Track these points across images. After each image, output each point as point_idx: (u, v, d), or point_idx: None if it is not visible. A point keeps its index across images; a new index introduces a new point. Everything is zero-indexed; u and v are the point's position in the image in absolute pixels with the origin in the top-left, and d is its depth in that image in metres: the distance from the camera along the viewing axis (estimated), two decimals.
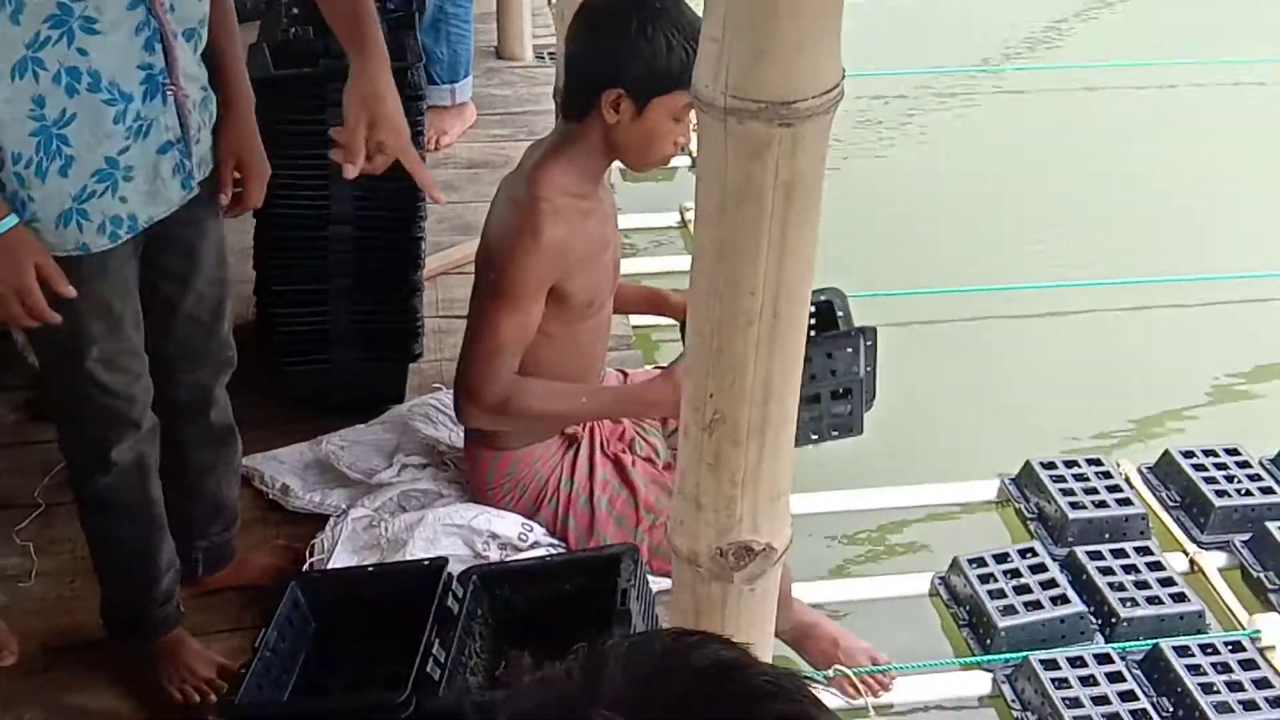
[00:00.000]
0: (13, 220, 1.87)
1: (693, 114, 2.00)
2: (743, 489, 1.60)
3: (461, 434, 2.82)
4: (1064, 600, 3.09)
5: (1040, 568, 3.18)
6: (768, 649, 1.79)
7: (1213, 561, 3.34)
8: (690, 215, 4.74)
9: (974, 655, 3.06)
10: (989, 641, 3.06)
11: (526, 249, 2.35)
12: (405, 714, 1.97)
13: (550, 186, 2.39)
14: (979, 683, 3.01)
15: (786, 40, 1.35)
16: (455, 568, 2.27)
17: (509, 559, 2.50)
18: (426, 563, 2.30)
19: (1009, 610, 3.08)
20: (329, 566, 2.50)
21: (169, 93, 1.97)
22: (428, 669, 2.02)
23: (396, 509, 2.69)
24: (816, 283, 2.45)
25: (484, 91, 4.57)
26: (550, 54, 5.48)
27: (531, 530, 2.58)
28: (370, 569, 2.32)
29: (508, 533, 2.57)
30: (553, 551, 2.54)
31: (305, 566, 2.53)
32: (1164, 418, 4.38)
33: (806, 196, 1.45)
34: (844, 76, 1.42)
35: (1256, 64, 6.46)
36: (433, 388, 3.13)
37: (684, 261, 4.39)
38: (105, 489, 2.21)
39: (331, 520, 2.64)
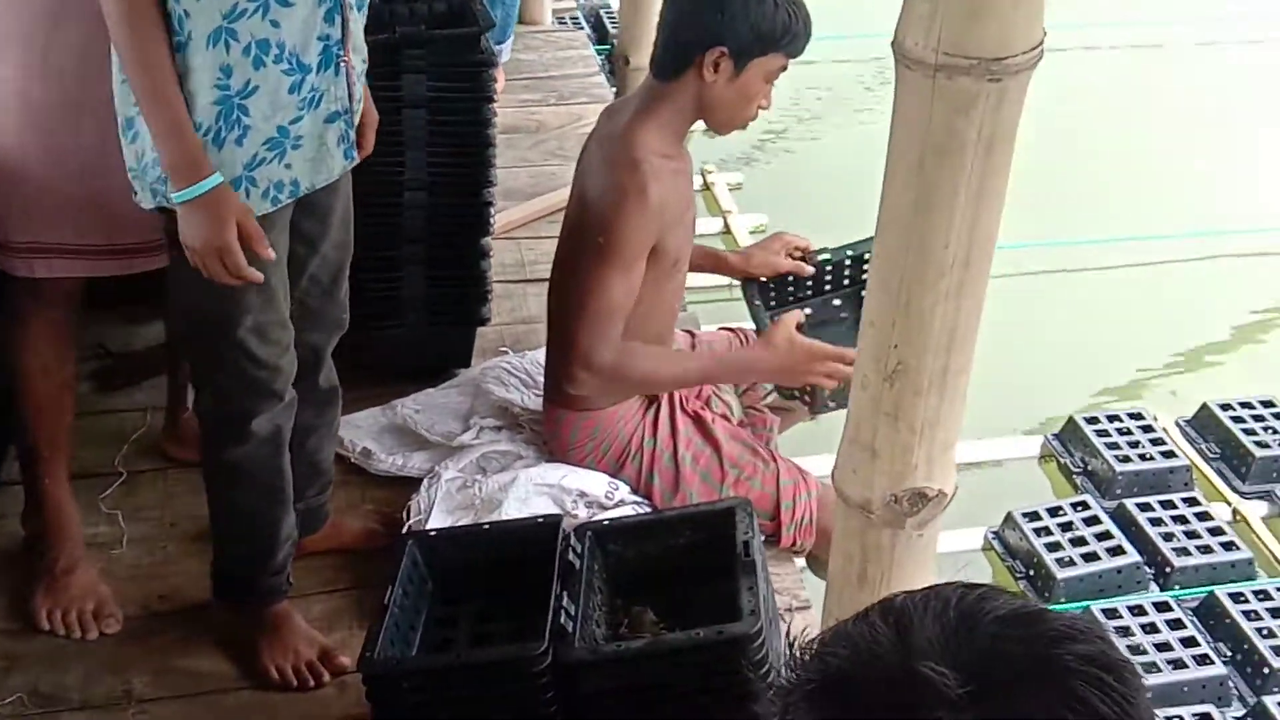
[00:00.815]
0: (217, 179, 1.91)
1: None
2: (920, 437, 1.67)
3: (534, 396, 2.88)
4: (1120, 551, 3.20)
5: (1094, 520, 3.29)
6: None
7: (1255, 510, 3.48)
8: (711, 177, 4.82)
9: None
10: (1047, 593, 3.16)
11: (634, 210, 2.41)
12: (544, 664, 2.02)
13: (646, 148, 2.45)
14: None
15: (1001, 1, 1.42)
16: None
17: (595, 516, 2.56)
18: (541, 519, 2.35)
19: (1067, 562, 3.18)
20: (428, 527, 2.54)
21: (341, 64, 2.02)
22: (560, 621, 2.08)
23: (477, 470, 2.75)
24: (857, 232, 2.64)
25: (510, 57, 4.59)
26: (573, 18, 5.52)
27: (617, 489, 2.63)
28: (486, 526, 2.36)
29: (595, 491, 2.62)
30: (638, 509, 2.60)
31: (404, 529, 2.57)
32: (1184, 369, 4.53)
33: (1004, 150, 1.52)
34: (1045, 34, 1.48)
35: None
36: (499, 350, 3.17)
37: (706, 224, 4.49)
38: (240, 457, 2.24)
39: (425, 482, 2.68)
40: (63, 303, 2.37)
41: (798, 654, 0.90)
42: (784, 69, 2.49)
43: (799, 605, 2.54)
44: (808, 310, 2.78)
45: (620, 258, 2.43)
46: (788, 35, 2.42)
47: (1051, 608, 2.99)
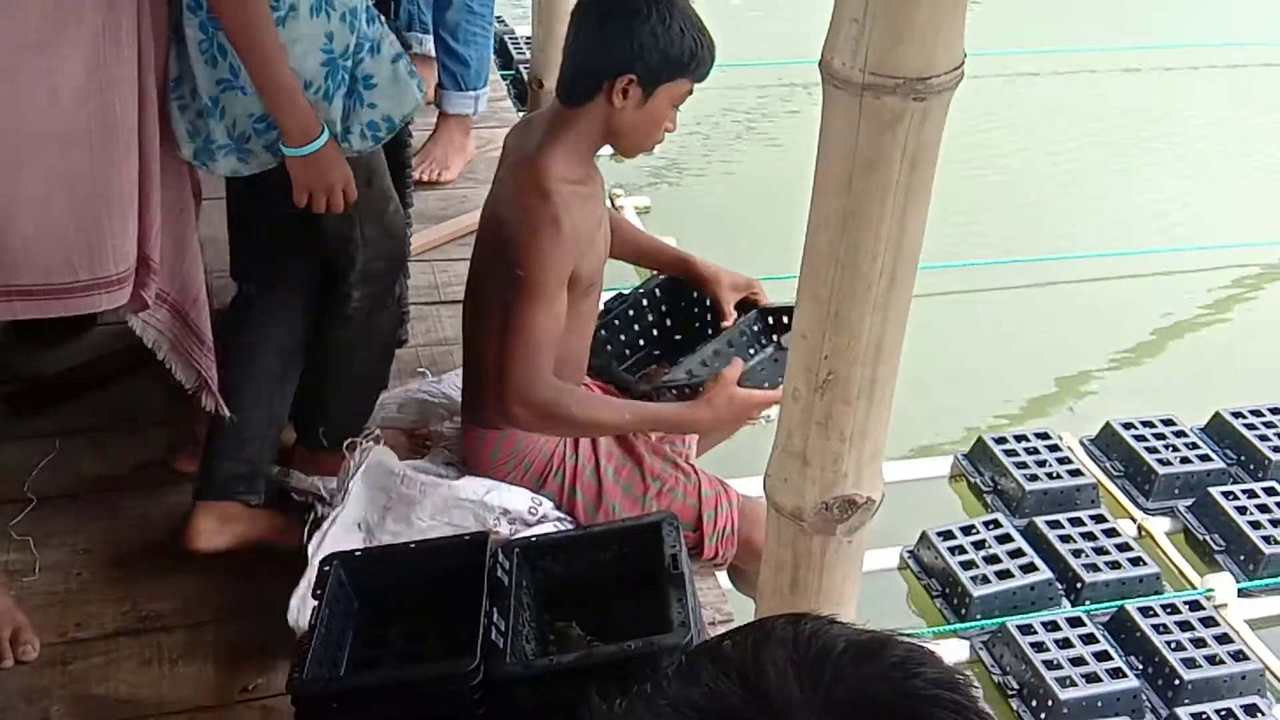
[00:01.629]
0: (327, 134, 2.36)
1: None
2: (850, 445, 1.75)
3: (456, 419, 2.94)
4: (1032, 568, 3.32)
5: (1006, 538, 3.40)
6: (855, 597, 1.94)
7: (1159, 526, 3.61)
8: (620, 201, 4.90)
9: (949, 624, 3.27)
10: (964, 610, 3.26)
11: (549, 242, 2.46)
12: (476, 680, 2.07)
13: (556, 176, 2.50)
14: (957, 650, 3.20)
15: (923, 22, 1.51)
16: None
17: (518, 533, 2.60)
18: (468, 537, 2.40)
19: (982, 580, 3.29)
20: (349, 484, 2.61)
21: (378, 18, 2.48)
22: (491, 637, 2.13)
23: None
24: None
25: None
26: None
27: (540, 504, 2.68)
28: (412, 545, 2.41)
29: (518, 507, 2.66)
30: (560, 525, 2.66)
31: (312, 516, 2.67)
32: (1086, 387, 4.71)
33: (928, 167, 1.61)
34: (965, 57, 1.58)
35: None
36: (417, 372, 3.23)
37: None
38: (381, 321, 2.80)
39: (358, 450, 2.69)
40: None
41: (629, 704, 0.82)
42: (690, 93, 2.56)
43: (722, 619, 2.62)
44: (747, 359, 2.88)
45: (543, 291, 2.48)
46: (694, 61, 2.49)
47: (967, 626, 3.14)
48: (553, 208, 2.47)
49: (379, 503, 2.63)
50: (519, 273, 2.49)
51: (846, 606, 1.91)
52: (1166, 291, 5.27)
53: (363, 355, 2.83)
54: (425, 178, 4.12)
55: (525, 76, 5.02)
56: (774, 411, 3.61)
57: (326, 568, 2.31)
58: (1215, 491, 3.60)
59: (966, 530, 3.44)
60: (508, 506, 2.66)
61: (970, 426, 4.30)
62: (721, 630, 2.39)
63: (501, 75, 5.24)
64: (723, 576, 2.83)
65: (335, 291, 2.71)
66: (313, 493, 2.78)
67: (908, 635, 0.84)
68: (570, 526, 2.65)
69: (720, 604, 2.68)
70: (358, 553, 2.41)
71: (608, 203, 4.73)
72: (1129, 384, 4.74)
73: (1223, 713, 2.96)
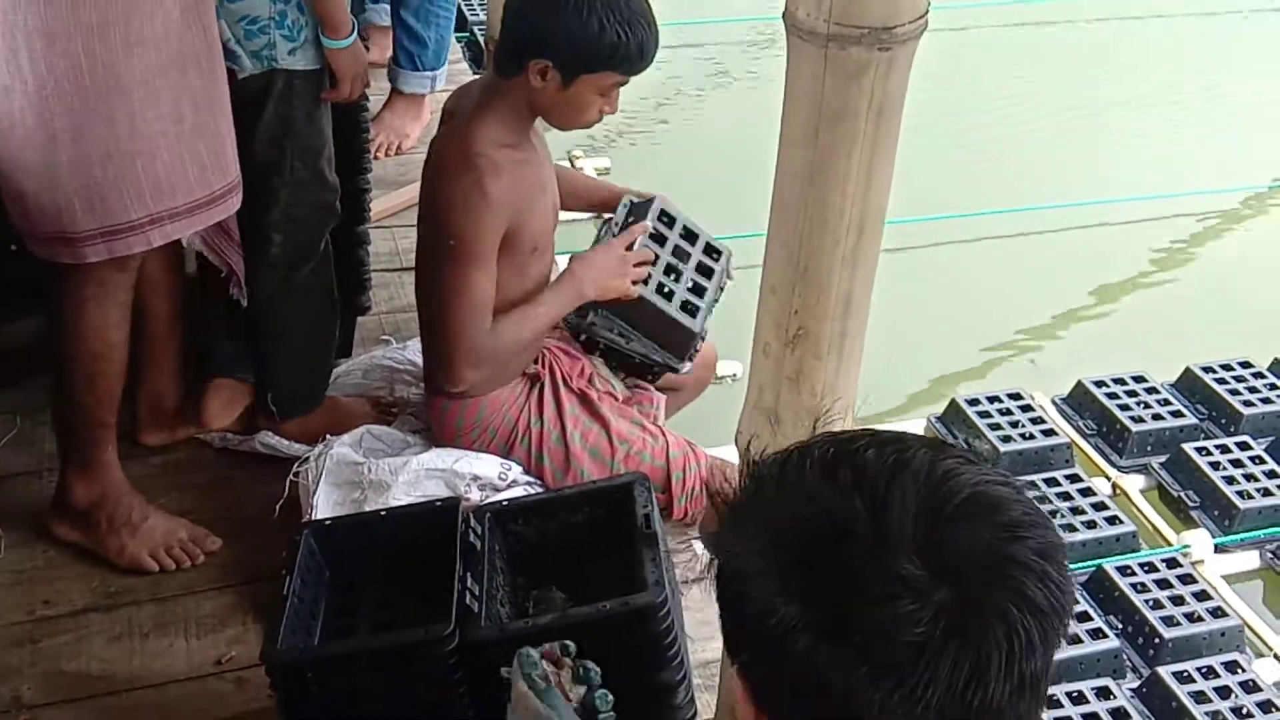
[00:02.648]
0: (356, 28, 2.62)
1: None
2: (822, 400, 1.79)
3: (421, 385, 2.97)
4: None
5: None
6: None
7: (1134, 484, 3.68)
8: (580, 163, 4.95)
9: None
10: None
11: (477, 207, 2.50)
12: (451, 646, 2.10)
13: (485, 141, 2.54)
14: None
15: None
16: None
17: (489, 498, 2.64)
18: (439, 503, 2.44)
19: None
20: (315, 499, 2.63)
21: None
22: (466, 602, 2.16)
23: (364, 447, 2.82)
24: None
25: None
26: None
27: (510, 469, 2.72)
28: (383, 513, 2.44)
29: (488, 473, 2.70)
30: (530, 490, 2.69)
31: (285, 494, 2.70)
32: (1054, 340, 4.78)
33: (894, 118, 1.64)
34: (929, 6, 1.61)
35: None
36: (380, 339, 3.26)
37: None
38: (308, 275, 2.77)
39: (317, 450, 2.75)
40: (132, 273, 2.52)
41: (757, 470, 1.03)
42: (621, 84, 2.57)
43: (695, 577, 2.67)
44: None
45: (472, 257, 2.52)
46: (616, 56, 2.49)
47: None
48: (477, 173, 2.50)
49: (352, 496, 2.66)
50: (450, 243, 2.53)
51: None
52: (1129, 242, 5.34)
53: (294, 313, 2.82)
54: (383, 153, 4.12)
55: (481, 39, 5.03)
56: (739, 370, 3.68)
57: (298, 537, 2.34)
58: (1189, 447, 3.66)
59: None
60: (477, 473, 2.70)
61: (933, 378, 4.39)
62: (695, 589, 2.45)
63: (457, 37, 5.24)
64: (694, 537, 2.87)
65: (257, 228, 2.72)
66: (284, 452, 2.86)
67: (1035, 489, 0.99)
68: (540, 491, 2.69)
69: (692, 563, 2.72)
70: (328, 522, 2.44)
71: (566, 163, 4.84)
72: (1093, 337, 4.80)
73: (1204, 670, 3.01)
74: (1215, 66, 6.91)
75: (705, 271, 2.94)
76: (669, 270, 2.87)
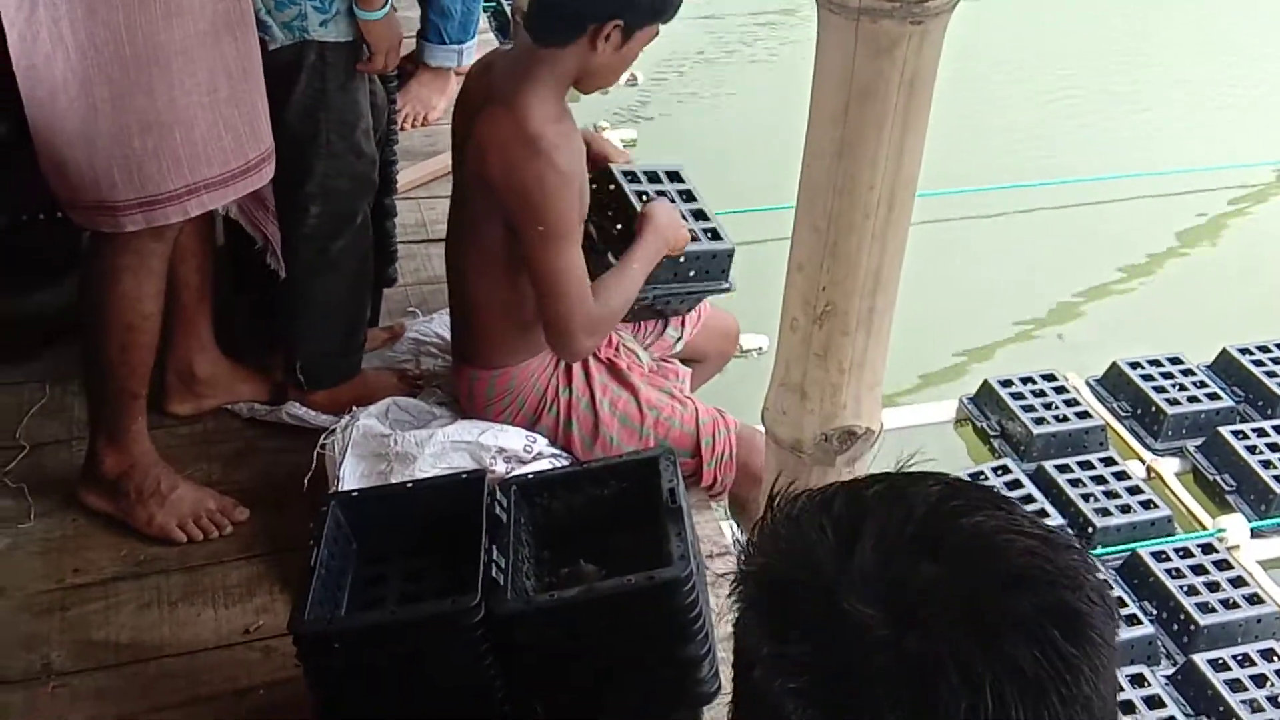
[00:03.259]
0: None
1: None
2: (849, 376, 1.81)
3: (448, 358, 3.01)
4: (1042, 514, 3.37)
5: (1016, 484, 3.47)
6: None
7: (1169, 467, 3.69)
8: (606, 134, 4.97)
9: None
10: None
11: (556, 188, 2.51)
12: (477, 618, 2.14)
13: (540, 119, 2.54)
14: None
15: None
16: None
17: (514, 470, 2.67)
18: (465, 475, 2.47)
19: None
20: (341, 471, 2.67)
21: None
22: (492, 574, 2.19)
23: (391, 419, 2.86)
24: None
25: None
26: None
27: (535, 442, 2.76)
28: (409, 485, 2.47)
29: (513, 445, 2.74)
30: (556, 461, 2.74)
31: (313, 466, 2.74)
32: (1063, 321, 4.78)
33: (925, 92, 1.66)
34: None
35: None
36: (407, 311, 3.30)
37: None
38: (343, 248, 2.81)
39: (343, 421, 2.79)
40: (168, 243, 2.57)
41: (766, 526, 0.94)
42: (657, 34, 2.62)
43: (719, 551, 2.70)
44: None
45: (565, 235, 2.55)
46: (676, 5, 2.55)
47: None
48: (545, 155, 2.51)
49: (378, 469, 2.69)
50: (539, 229, 2.53)
51: None
52: (1165, 217, 5.36)
53: (325, 283, 2.86)
54: (410, 124, 4.14)
55: (508, 8, 5.04)
56: (765, 343, 3.71)
57: (324, 508, 2.38)
58: (1225, 430, 3.67)
59: (975, 477, 3.49)
60: (503, 445, 2.73)
61: (960, 352, 4.42)
62: (719, 562, 2.48)
63: (484, 7, 5.26)
64: (720, 510, 2.91)
65: (292, 200, 2.77)
66: (311, 423, 2.91)
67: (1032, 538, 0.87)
68: (566, 463, 2.73)
69: (717, 536, 2.75)
70: (355, 493, 2.47)
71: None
72: (1127, 315, 4.82)
73: (1239, 658, 3.03)
74: (1251, 38, 6.89)
75: (688, 196, 3.02)
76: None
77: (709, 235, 2.93)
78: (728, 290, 2.98)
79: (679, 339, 3.05)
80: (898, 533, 0.87)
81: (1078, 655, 0.83)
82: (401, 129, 3.69)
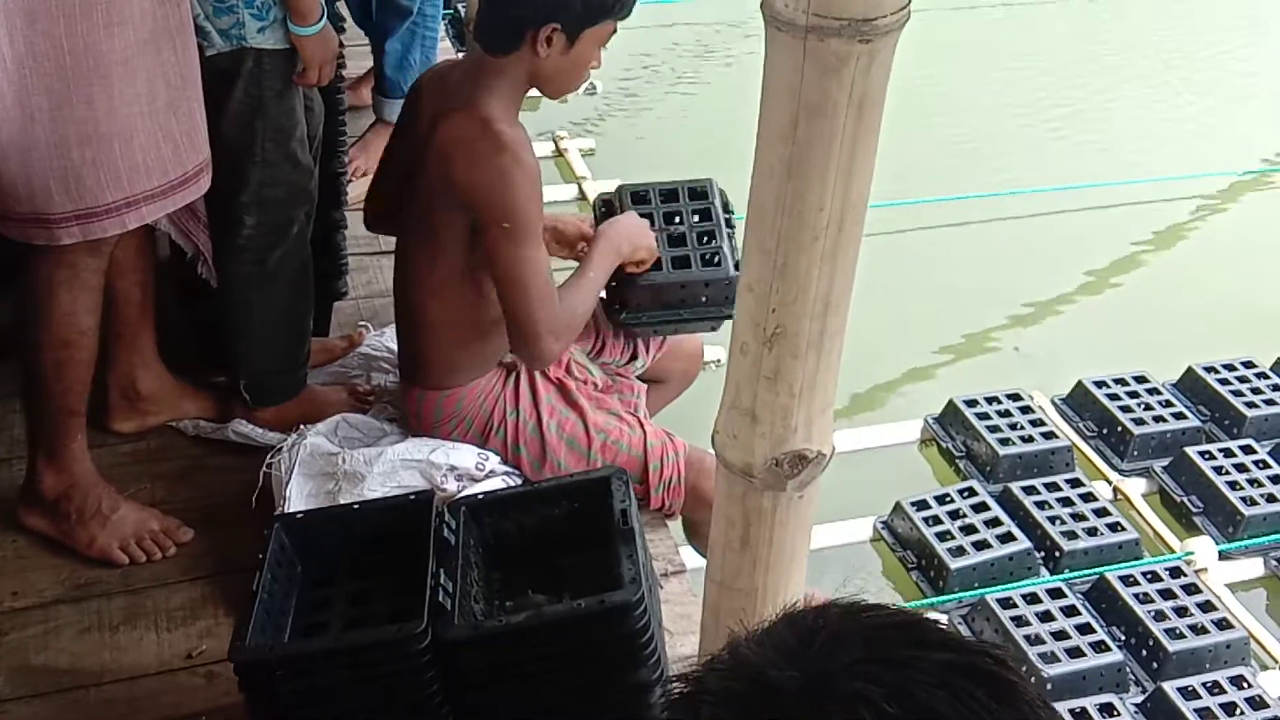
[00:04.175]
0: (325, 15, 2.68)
1: None
2: (799, 400, 1.82)
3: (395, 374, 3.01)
4: (1010, 538, 3.39)
5: (982, 506, 3.48)
6: (806, 555, 2.01)
7: (1135, 488, 3.71)
8: (564, 143, 5.01)
9: (926, 597, 3.33)
10: (941, 583, 3.33)
11: (520, 181, 2.53)
12: (424, 644, 2.13)
13: (501, 120, 2.56)
14: None
15: None
16: None
17: (466, 489, 2.67)
18: (413, 496, 2.47)
19: (959, 551, 3.36)
20: (288, 491, 2.67)
21: None
22: (439, 599, 2.19)
23: (339, 436, 2.86)
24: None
25: None
26: None
27: (487, 459, 2.77)
28: (356, 506, 2.47)
29: (465, 463, 2.74)
30: (509, 479, 2.74)
31: (259, 484, 2.74)
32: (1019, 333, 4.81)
33: (874, 111, 1.67)
34: None
35: None
36: (358, 325, 3.29)
37: (561, 190, 4.78)
38: (280, 260, 2.80)
39: (290, 439, 2.79)
40: (104, 258, 2.57)
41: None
42: (614, 32, 2.62)
43: (674, 570, 2.71)
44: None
45: (530, 233, 2.56)
46: (619, 3, 2.56)
47: (944, 599, 3.19)
48: (511, 148, 2.54)
49: (326, 488, 2.70)
50: (505, 225, 2.54)
51: (798, 563, 1.98)
52: (1120, 226, 5.38)
53: (265, 295, 2.86)
54: (359, 176, 4.03)
55: (463, 15, 5.05)
56: (723, 355, 3.73)
57: (268, 531, 2.37)
58: (1191, 451, 3.69)
59: (941, 499, 3.50)
60: (455, 463, 2.74)
61: (911, 368, 4.45)
62: (674, 581, 2.48)
63: (442, 14, 5.25)
64: (675, 528, 2.91)
65: (227, 211, 2.77)
66: (258, 441, 2.90)
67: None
68: (519, 481, 2.73)
69: (672, 555, 2.76)
70: (299, 515, 2.47)
71: (550, 144, 4.93)
72: (1090, 332, 4.81)
73: (1209, 685, 3.03)
74: (1210, 48, 6.96)
75: (704, 214, 3.03)
76: (672, 240, 2.97)
77: (707, 261, 2.96)
78: (728, 318, 2.94)
79: (642, 365, 3.06)
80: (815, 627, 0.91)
81: (1004, 711, 0.85)
82: (350, 179, 3.62)
